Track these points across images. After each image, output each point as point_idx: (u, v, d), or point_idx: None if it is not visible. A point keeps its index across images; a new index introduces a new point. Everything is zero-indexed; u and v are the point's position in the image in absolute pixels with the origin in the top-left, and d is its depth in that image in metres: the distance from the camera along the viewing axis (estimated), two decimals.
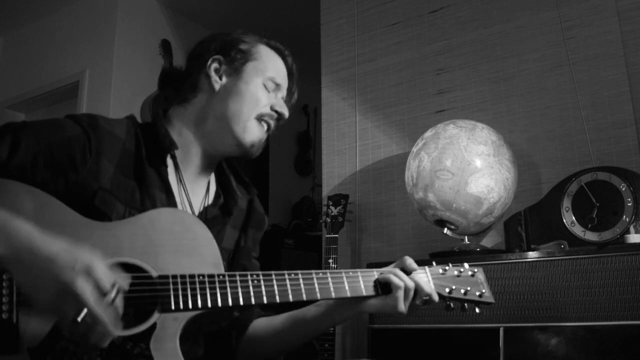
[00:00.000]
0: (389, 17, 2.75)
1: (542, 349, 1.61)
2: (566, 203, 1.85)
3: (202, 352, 1.13)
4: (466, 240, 2.10)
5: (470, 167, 1.90)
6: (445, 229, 2.03)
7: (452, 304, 1.17)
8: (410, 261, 1.14)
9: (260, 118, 1.17)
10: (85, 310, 0.77)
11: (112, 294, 0.79)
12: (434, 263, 1.20)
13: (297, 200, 4.78)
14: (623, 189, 1.75)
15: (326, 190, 2.74)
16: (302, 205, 4.72)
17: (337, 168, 2.76)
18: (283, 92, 1.23)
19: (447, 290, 1.16)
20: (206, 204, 1.19)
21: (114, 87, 3.50)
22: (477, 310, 1.19)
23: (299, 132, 5.05)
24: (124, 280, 0.85)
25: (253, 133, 1.16)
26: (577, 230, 1.80)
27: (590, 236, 1.76)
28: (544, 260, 1.70)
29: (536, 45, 2.31)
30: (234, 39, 1.22)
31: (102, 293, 0.79)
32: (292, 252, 4.02)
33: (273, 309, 1.24)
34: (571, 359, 1.57)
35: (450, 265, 1.21)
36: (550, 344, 1.61)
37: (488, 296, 1.19)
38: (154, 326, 0.88)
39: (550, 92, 2.25)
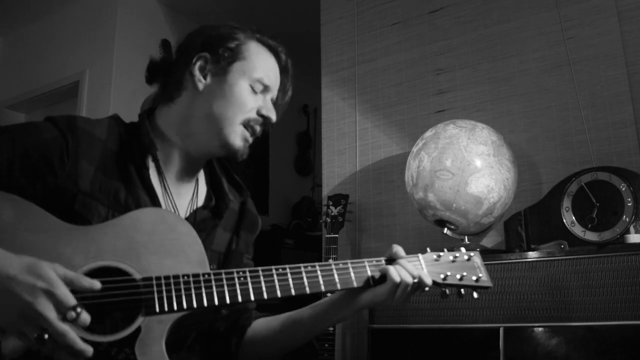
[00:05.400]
0: (389, 17, 2.75)
1: (542, 349, 1.61)
2: (566, 203, 1.85)
3: None
4: (466, 240, 2.10)
5: (470, 167, 1.90)
6: (445, 229, 2.03)
7: (447, 291, 1.13)
8: (398, 249, 1.13)
9: (246, 124, 1.12)
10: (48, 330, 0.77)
11: (73, 313, 0.79)
12: (428, 249, 1.18)
13: (297, 200, 4.78)
14: (623, 189, 1.75)
15: (326, 190, 2.74)
16: (302, 205, 4.72)
17: (337, 168, 2.76)
18: (273, 93, 1.17)
19: (442, 276, 1.12)
20: (195, 207, 1.15)
21: (114, 87, 3.50)
22: (475, 295, 1.15)
23: (299, 132, 5.05)
24: (93, 284, 0.84)
25: (239, 138, 1.11)
26: (577, 230, 1.80)
27: (590, 236, 1.76)
28: (544, 260, 1.69)
29: (536, 45, 2.31)
30: (223, 34, 1.15)
31: (65, 310, 0.79)
32: (292, 252, 4.02)
33: (271, 309, 1.23)
34: (571, 359, 1.57)
35: (446, 250, 1.18)
36: (550, 344, 1.61)
37: (485, 280, 1.14)
38: (138, 330, 0.87)
39: (550, 92, 2.25)
